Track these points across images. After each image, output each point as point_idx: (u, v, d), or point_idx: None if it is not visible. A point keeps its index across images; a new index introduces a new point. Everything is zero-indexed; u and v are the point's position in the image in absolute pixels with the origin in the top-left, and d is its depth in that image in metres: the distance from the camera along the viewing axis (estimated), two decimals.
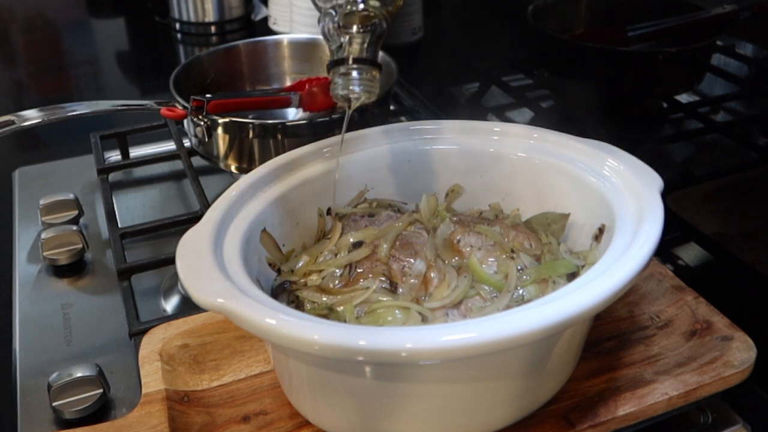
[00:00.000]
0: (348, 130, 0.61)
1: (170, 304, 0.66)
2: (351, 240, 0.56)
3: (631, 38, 1.02)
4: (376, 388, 0.45)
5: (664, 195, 0.51)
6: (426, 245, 0.54)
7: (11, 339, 0.63)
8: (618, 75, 0.97)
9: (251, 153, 0.73)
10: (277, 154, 0.60)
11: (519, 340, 0.40)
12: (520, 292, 0.51)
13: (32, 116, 0.68)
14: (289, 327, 0.40)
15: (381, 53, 0.83)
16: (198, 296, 0.43)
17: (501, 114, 1.07)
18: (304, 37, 0.90)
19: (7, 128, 0.66)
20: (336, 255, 0.55)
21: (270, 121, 0.74)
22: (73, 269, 0.71)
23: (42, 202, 0.77)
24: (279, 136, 0.72)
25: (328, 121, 0.74)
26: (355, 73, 0.54)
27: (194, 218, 0.63)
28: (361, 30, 0.54)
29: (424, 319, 0.49)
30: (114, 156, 0.88)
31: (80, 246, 0.71)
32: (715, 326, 0.56)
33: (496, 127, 0.62)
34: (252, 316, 0.41)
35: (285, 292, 0.53)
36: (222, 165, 0.77)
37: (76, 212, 0.77)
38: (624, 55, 0.99)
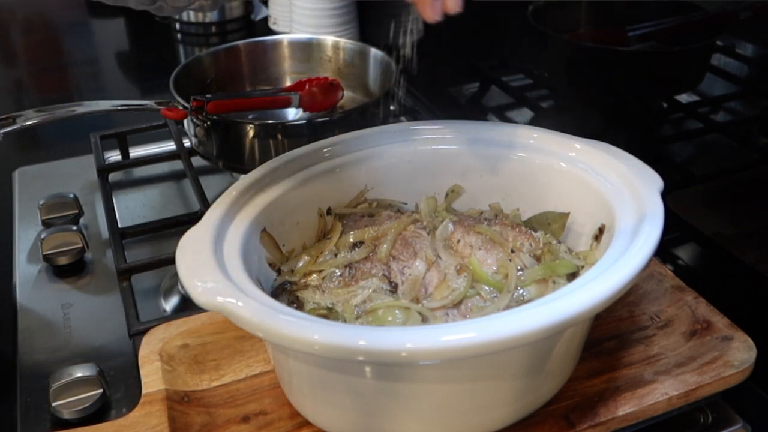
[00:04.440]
0: (348, 130, 0.62)
1: (170, 304, 0.66)
2: (351, 240, 0.56)
3: (631, 38, 1.02)
4: (376, 388, 0.45)
5: (664, 195, 0.51)
6: (426, 245, 0.54)
7: (11, 339, 0.63)
8: (618, 75, 0.97)
9: (251, 153, 0.73)
10: (277, 154, 0.60)
11: (519, 340, 0.40)
12: (520, 292, 0.52)
13: (32, 116, 0.67)
14: (289, 327, 0.40)
15: (381, 53, 0.84)
16: (198, 296, 0.43)
17: (501, 114, 1.07)
18: (304, 37, 0.90)
19: (7, 128, 0.66)
20: (336, 255, 0.55)
21: (270, 121, 0.74)
22: (73, 269, 0.71)
23: (42, 202, 0.77)
24: (279, 136, 0.72)
25: (328, 121, 0.74)
26: None
27: (194, 218, 0.63)
28: None
29: (424, 319, 0.49)
30: (114, 156, 0.88)
31: (80, 246, 0.71)
32: (715, 326, 0.56)
33: (496, 127, 0.62)
34: (252, 316, 0.41)
35: (285, 292, 0.53)
36: (222, 165, 0.77)
37: (76, 212, 0.77)
38: (624, 55, 0.99)
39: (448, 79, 1.16)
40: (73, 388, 0.55)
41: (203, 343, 0.56)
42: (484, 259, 0.54)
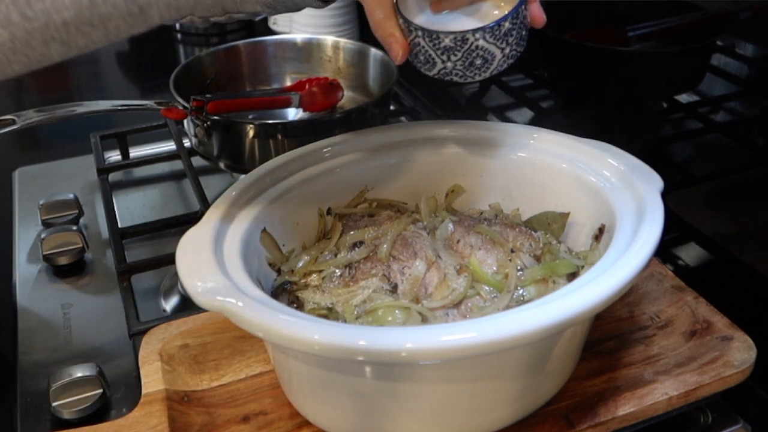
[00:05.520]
0: (348, 130, 0.62)
1: (170, 304, 0.66)
2: (351, 240, 0.56)
3: (631, 38, 1.02)
4: (376, 388, 0.45)
5: (664, 195, 0.51)
6: (426, 245, 0.54)
7: (11, 339, 0.63)
8: (618, 75, 0.97)
9: (251, 153, 0.73)
10: (277, 154, 0.60)
11: (519, 340, 0.40)
12: (520, 292, 0.51)
13: (32, 116, 0.68)
14: (289, 327, 0.40)
15: (381, 53, 0.84)
16: (198, 296, 0.43)
17: (501, 114, 1.07)
18: (304, 37, 0.90)
19: (7, 128, 0.66)
20: (336, 255, 0.55)
21: (270, 121, 0.74)
22: (73, 269, 0.71)
23: (42, 202, 0.77)
24: (279, 136, 0.72)
25: (328, 121, 0.74)
26: None
27: (194, 218, 0.63)
28: None
29: (424, 319, 0.49)
30: (114, 156, 0.88)
31: (80, 246, 0.71)
32: (715, 326, 0.56)
33: (496, 127, 0.62)
34: (252, 316, 0.41)
35: (285, 292, 0.53)
36: (222, 165, 0.77)
37: (76, 212, 0.77)
38: (624, 55, 0.99)
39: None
40: (73, 388, 0.55)
41: (203, 343, 0.56)
42: (484, 259, 0.54)
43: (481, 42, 0.52)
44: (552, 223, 0.58)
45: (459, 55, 0.53)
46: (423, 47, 0.53)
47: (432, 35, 0.52)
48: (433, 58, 0.54)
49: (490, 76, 0.55)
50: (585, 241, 0.56)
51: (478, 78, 0.55)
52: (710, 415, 0.54)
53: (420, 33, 0.53)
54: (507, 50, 0.54)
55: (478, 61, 0.53)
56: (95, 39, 0.41)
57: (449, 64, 0.54)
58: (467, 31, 0.52)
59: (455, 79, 0.55)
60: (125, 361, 0.59)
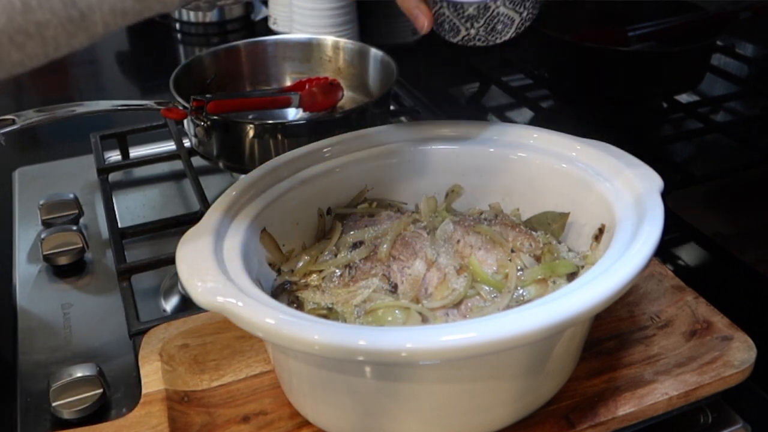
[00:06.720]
0: (348, 130, 0.62)
1: (170, 304, 0.66)
2: (351, 240, 0.56)
3: (631, 38, 1.02)
4: (376, 388, 0.45)
5: (664, 195, 0.51)
6: (426, 245, 0.54)
7: (11, 339, 0.63)
8: (618, 75, 0.97)
9: (251, 153, 0.73)
10: (277, 154, 0.60)
11: (519, 340, 0.40)
12: (520, 292, 0.52)
13: (32, 116, 0.67)
14: (289, 327, 0.40)
15: (381, 53, 0.84)
16: (198, 296, 0.43)
17: (501, 114, 1.07)
18: (304, 37, 0.90)
19: (7, 128, 0.66)
20: (336, 255, 0.55)
21: (270, 121, 0.74)
22: (73, 269, 0.71)
23: (42, 202, 0.77)
24: (279, 136, 0.72)
25: (328, 121, 0.74)
26: None
27: (194, 218, 0.63)
28: None
29: (424, 319, 0.49)
30: (114, 156, 0.88)
31: (80, 246, 0.71)
32: (715, 326, 0.56)
33: (495, 127, 0.62)
34: (252, 316, 0.41)
35: (285, 292, 0.53)
36: (222, 165, 0.77)
37: (76, 212, 0.77)
38: (624, 55, 0.99)
39: (448, 79, 1.16)
40: (73, 388, 0.55)
41: (203, 343, 0.56)
42: (484, 259, 0.54)
43: (501, 9, 0.56)
44: (552, 223, 0.58)
45: (481, 22, 0.57)
46: (447, 16, 0.57)
47: (456, 5, 0.56)
48: (457, 26, 0.58)
49: (509, 39, 0.58)
50: (585, 241, 0.56)
51: (498, 41, 0.59)
52: (710, 415, 0.54)
53: (444, 3, 0.57)
54: (524, 14, 0.58)
55: (499, 26, 0.57)
56: (30, 52, 0.37)
57: (472, 31, 0.58)
58: (489, 0, 0.56)
59: (477, 44, 0.58)
60: (125, 361, 0.59)
